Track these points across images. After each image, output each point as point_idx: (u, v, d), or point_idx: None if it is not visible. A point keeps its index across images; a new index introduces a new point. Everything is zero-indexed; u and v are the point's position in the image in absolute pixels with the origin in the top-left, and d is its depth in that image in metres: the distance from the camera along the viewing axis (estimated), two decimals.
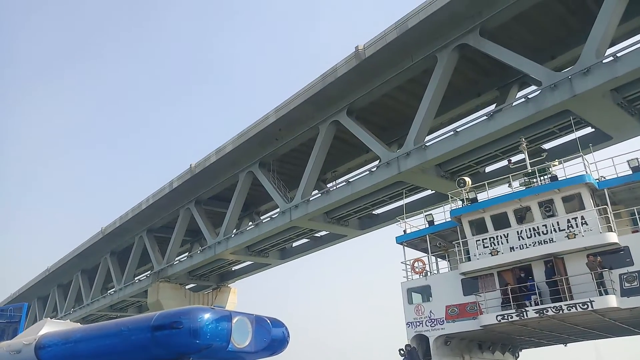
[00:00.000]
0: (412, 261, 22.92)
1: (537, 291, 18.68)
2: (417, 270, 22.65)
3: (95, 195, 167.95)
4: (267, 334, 9.56)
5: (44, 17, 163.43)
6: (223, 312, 8.89)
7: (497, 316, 18.85)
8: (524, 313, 18.26)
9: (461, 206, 21.62)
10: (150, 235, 46.40)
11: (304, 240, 40.33)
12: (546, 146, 25.84)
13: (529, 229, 19.42)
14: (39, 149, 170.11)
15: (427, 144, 25.08)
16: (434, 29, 24.35)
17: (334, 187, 31.00)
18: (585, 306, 17.17)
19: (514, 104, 22.76)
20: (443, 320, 20.94)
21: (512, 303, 18.79)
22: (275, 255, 41.75)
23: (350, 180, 29.19)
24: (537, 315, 18.06)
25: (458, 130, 23.92)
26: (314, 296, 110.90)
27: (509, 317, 18.53)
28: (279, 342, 9.98)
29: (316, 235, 38.85)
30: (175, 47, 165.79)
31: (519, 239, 19.56)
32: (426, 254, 23.09)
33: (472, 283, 20.61)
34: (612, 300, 17.06)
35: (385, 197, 30.24)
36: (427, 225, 23.46)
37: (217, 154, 36.70)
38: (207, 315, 8.44)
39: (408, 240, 23.60)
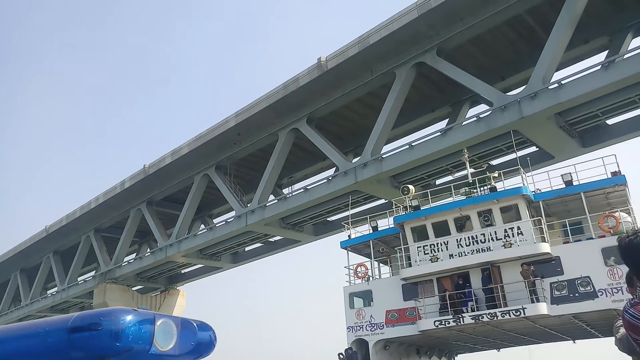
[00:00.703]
0: (355, 266, 23.14)
1: (474, 298, 19.27)
2: (359, 275, 22.86)
3: (42, 194, 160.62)
4: (193, 337, 9.13)
5: None
6: (146, 314, 8.53)
7: (435, 322, 19.30)
8: (461, 319, 18.80)
9: (404, 213, 22.04)
10: (97, 235, 45.34)
11: (258, 245, 40.63)
12: (493, 162, 27.40)
13: (468, 237, 20.00)
14: None
15: (383, 156, 26.10)
16: (394, 47, 25.47)
17: (291, 194, 31.62)
18: (518, 313, 17.87)
19: (465, 122, 24.13)
20: (383, 324, 21.21)
21: (449, 309, 19.31)
22: (227, 258, 41.79)
23: (308, 187, 29.83)
24: (473, 321, 18.64)
25: (413, 144, 25.08)
26: (263, 299, 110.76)
27: (446, 322, 19.06)
28: (205, 346, 9.55)
29: (270, 240, 39.26)
30: (133, 45, 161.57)
31: (459, 247, 20.08)
32: (369, 259, 23.34)
33: (412, 289, 20.98)
34: (543, 308, 17.86)
35: (340, 205, 31.04)
36: (371, 231, 23.83)
37: (172, 156, 36.49)
38: (129, 317, 8.07)
39: (352, 245, 23.88)
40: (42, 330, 8.83)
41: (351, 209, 32.20)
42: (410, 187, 22.69)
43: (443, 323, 19.16)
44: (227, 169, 35.80)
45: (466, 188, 21.59)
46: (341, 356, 21.31)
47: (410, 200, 22.18)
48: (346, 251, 23.79)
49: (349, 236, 24.24)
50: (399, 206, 22.83)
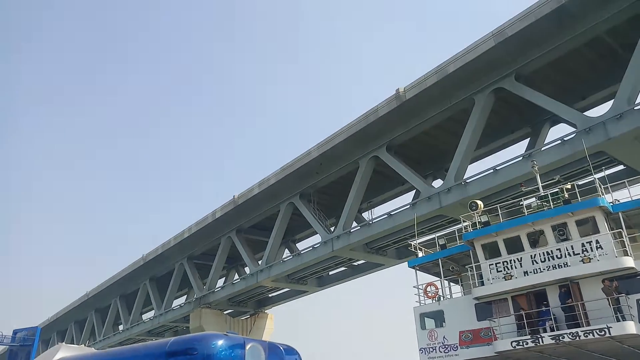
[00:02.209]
0: (424, 285, 22.48)
1: (552, 316, 18.30)
2: (429, 294, 22.18)
3: (136, 223, 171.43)
4: None
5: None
6: (236, 338, 8.94)
7: (512, 342, 18.42)
8: (540, 339, 17.85)
9: (473, 230, 21.31)
10: (190, 262, 48.35)
11: (342, 268, 41.92)
12: (580, 182, 27.24)
13: (543, 252, 19.12)
14: (101, 182, 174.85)
15: (467, 181, 26.71)
16: (472, 74, 26.24)
17: (371, 219, 32.63)
18: (603, 332, 16.70)
19: (549, 145, 24.32)
20: (457, 346, 20.33)
21: (526, 329, 18.45)
22: (313, 282, 43.36)
23: (391, 213, 30.81)
24: (553, 341, 17.67)
25: (498, 168, 25.52)
26: (346, 321, 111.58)
27: (524, 343, 18.11)
28: None
29: (354, 263, 40.47)
30: (227, 85, 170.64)
31: (533, 263, 19.23)
32: (439, 278, 22.56)
33: (485, 308, 20.10)
34: (631, 327, 16.64)
35: (424, 229, 31.75)
36: (440, 249, 23.21)
37: (260, 186, 38.73)
38: (220, 342, 8.43)
39: (420, 264, 23.27)
40: (140, 354, 9.71)
41: (435, 232, 32.92)
42: (479, 202, 22.12)
43: (521, 344, 18.19)
44: (311, 196, 37.52)
45: (537, 201, 20.69)
46: None
47: (479, 216, 21.60)
48: (414, 270, 23.31)
49: (417, 255, 23.84)
50: (467, 222, 22.19)
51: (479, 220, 21.44)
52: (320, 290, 44.67)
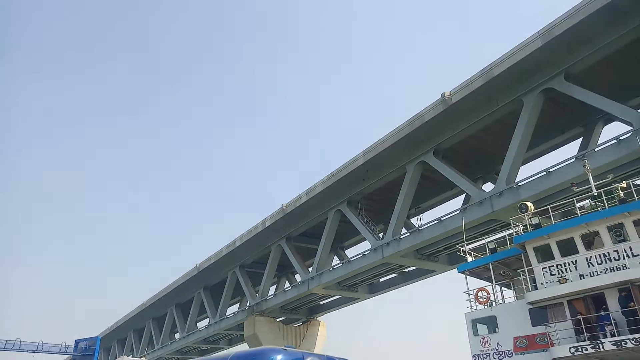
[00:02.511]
0: (475, 291, 21.93)
1: (612, 321, 17.54)
2: (481, 300, 21.59)
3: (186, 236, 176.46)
4: None
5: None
6: (295, 353, 8.93)
7: (570, 348, 17.69)
8: (600, 345, 17.13)
9: (524, 232, 20.70)
10: (242, 270, 49.33)
11: (393, 275, 41.81)
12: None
13: (600, 255, 18.36)
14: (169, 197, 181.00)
15: (519, 184, 26.25)
16: (519, 76, 25.86)
17: (423, 226, 32.42)
18: None
19: (604, 145, 23.61)
20: (512, 352, 19.69)
21: (585, 334, 17.71)
22: (364, 289, 43.42)
23: (442, 218, 30.58)
24: (615, 347, 16.91)
25: (551, 170, 24.98)
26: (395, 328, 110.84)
27: (584, 349, 17.40)
28: None
29: (405, 270, 40.29)
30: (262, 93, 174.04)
31: (589, 266, 18.54)
32: (490, 283, 22.00)
33: (540, 313, 19.39)
34: None
35: (476, 234, 31.33)
36: (490, 253, 22.52)
37: (307, 194, 39.20)
38: (279, 357, 8.41)
39: (470, 269, 22.64)
40: None
41: (487, 237, 32.39)
42: (529, 204, 21.35)
43: (580, 350, 17.48)
44: (358, 203, 37.67)
45: (591, 201, 19.98)
46: None
47: (530, 218, 20.87)
48: (464, 276, 22.73)
49: (466, 260, 23.22)
50: (518, 225, 21.59)
51: (530, 222, 20.80)
52: (371, 297, 44.64)
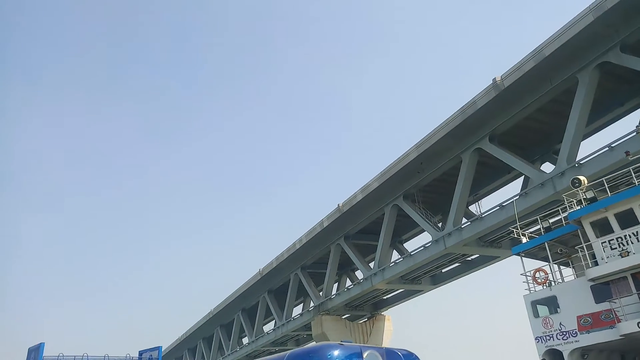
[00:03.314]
0: (533, 271, 21.55)
1: None
2: (539, 281, 21.26)
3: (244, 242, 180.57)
4: None
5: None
6: (352, 347, 8.58)
7: (638, 323, 17.29)
8: None
9: (579, 208, 20.11)
10: (304, 271, 50.25)
11: (455, 265, 41.70)
12: None
13: None
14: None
15: (581, 162, 25.82)
16: (572, 53, 25.40)
17: (485, 213, 32.19)
18: None
19: None
20: (576, 332, 19.22)
21: None
22: (427, 281, 43.50)
23: (503, 204, 30.37)
24: None
25: (613, 145, 24.48)
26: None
27: None
28: None
29: (467, 259, 40.12)
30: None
31: None
32: (547, 263, 21.56)
33: (603, 289, 18.91)
34: None
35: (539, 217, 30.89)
36: (545, 232, 22.11)
37: (362, 192, 39.61)
38: (336, 352, 8.15)
39: (525, 250, 22.39)
40: None
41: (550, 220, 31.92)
42: (582, 178, 20.97)
43: None
44: (415, 196, 37.78)
45: None
46: None
47: (584, 192, 20.37)
48: (520, 257, 22.51)
49: (520, 241, 23.01)
50: (572, 201, 20.95)
51: (584, 197, 20.30)
52: (435, 288, 44.63)
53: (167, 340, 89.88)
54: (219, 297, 67.85)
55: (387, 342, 49.78)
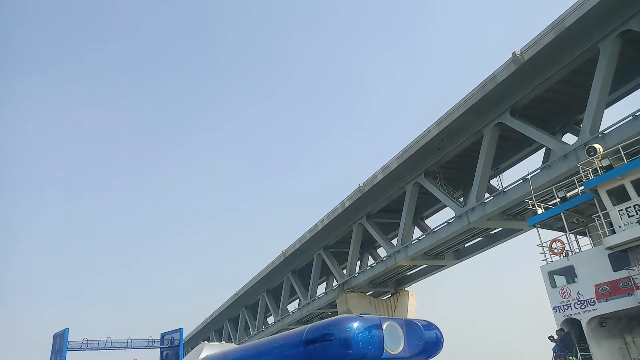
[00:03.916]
0: (549, 242, 21.52)
1: None
2: (555, 251, 21.20)
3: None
4: (420, 337, 9.11)
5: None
6: (372, 319, 8.56)
7: None
8: None
9: (595, 176, 20.03)
10: (327, 251, 50.99)
11: (479, 239, 42.01)
12: None
13: None
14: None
15: (604, 132, 25.79)
16: (592, 23, 25.19)
17: (508, 187, 32.34)
18: None
19: None
20: (594, 300, 19.22)
21: None
22: (450, 256, 43.93)
23: (526, 177, 30.50)
24: None
25: (637, 114, 24.40)
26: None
27: None
28: (433, 345, 9.50)
29: (491, 232, 40.40)
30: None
31: None
32: (564, 233, 21.46)
33: (621, 257, 18.81)
34: None
35: (562, 188, 30.94)
36: (560, 202, 22.09)
37: (383, 172, 39.91)
38: (356, 325, 8.10)
39: (541, 221, 22.25)
40: (278, 345, 9.77)
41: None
42: (597, 146, 20.88)
43: None
44: (436, 173, 37.99)
45: None
46: (552, 339, 20.10)
47: (600, 160, 20.30)
48: (536, 229, 22.44)
49: (535, 212, 22.86)
50: (587, 169, 20.94)
51: (600, 165, 20.22)
52: (458, 262, 45.05)
53: (193, 323, 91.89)
54: (242, 280, 69.05)
55: (412, 316, 50.57)
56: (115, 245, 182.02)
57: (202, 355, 12.10)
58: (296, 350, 8.68)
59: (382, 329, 8.25)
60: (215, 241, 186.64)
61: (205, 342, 13.50)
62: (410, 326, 9.00)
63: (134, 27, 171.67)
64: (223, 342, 50.96)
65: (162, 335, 55.74)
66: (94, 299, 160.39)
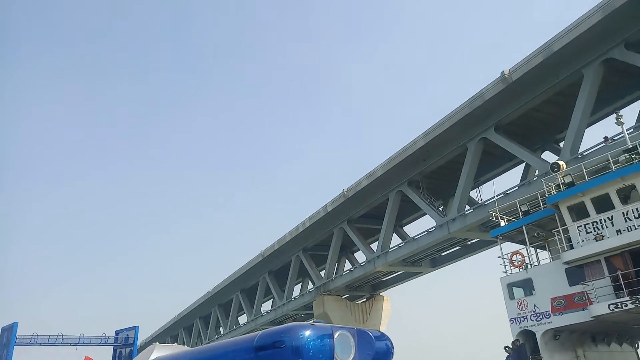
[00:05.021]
0: (510, 254, 22.00)
1: None
2: (516, 263, 21.67)
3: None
4: (371, 347, 9.34)
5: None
6: (324, 327, 8.81)
7: (609, 305, 17.63)
8: None
9: (557, 192, 20.43)
10: (305, 253, 51.57)
11: (456, 248, 43.27)
12: None
13: (637, 208, 18.01)
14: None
15: (584, 153, 27.16)
16: (579, 49, 26.57)
17: (480, 199, 33.67)
18: None
19: None
20: (549, 313, 19.72)
21: (624, 290, 17.48)
22: (427, 264, 45.07)
23: (507, 192, 31.75)
24: None
25: (615, 138, 25.77)
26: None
27: (623, 305, 17.27)
28: (383, 355, 9.75)
29: (468, 242, 41.68)
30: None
31: (626, 221, 18.15)
32: (524, 246, 21.97)
33: (577, 272, 19.27)
34: None
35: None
36: (523, 216, 22.47)
37: (368, 179, 40.76)
38: (307, 333, 8.27)
39: (504, 234, 22.72)
40: (230, 350, 9.57)
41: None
42: (561, 163, 21.51)
43: (620, 306, 17.38)
44: (419, 182, 39.06)
45: (625, 154, 19.63)
46: (508, 349, 20.31)
47: (563, 177, 20.84)
48: (498, 240, 22.91)
49: (499, 225, 23.33)
50: (550, 185, 21.49)
51: (563, 181, 20.77)
52: (434, 270, 46.23)
53: (160, 321, 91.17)
54: (217, 279, 69.02)
55: (385, 322, 51.70)
56: (105, 239, 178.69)
57: (153, 356, 11.87)
58: (247, 356, 8.66)
59: (333, 337, 8.48)
60: (194, 241, 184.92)
61: (157, 342, 13.31)
62: (361, 336, 9.19)
63: (115, 25, 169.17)
64: (175, 344, 50.71)
65: (117, 333, 54.46)
66: (63, 295, 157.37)
